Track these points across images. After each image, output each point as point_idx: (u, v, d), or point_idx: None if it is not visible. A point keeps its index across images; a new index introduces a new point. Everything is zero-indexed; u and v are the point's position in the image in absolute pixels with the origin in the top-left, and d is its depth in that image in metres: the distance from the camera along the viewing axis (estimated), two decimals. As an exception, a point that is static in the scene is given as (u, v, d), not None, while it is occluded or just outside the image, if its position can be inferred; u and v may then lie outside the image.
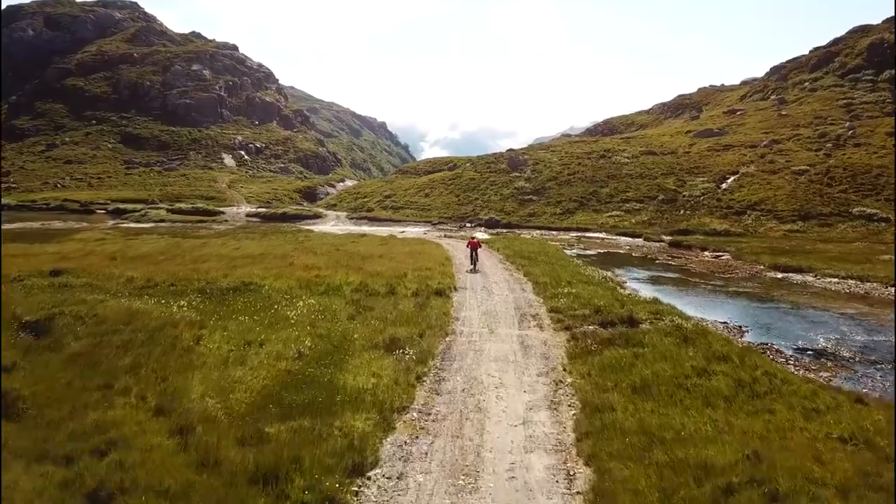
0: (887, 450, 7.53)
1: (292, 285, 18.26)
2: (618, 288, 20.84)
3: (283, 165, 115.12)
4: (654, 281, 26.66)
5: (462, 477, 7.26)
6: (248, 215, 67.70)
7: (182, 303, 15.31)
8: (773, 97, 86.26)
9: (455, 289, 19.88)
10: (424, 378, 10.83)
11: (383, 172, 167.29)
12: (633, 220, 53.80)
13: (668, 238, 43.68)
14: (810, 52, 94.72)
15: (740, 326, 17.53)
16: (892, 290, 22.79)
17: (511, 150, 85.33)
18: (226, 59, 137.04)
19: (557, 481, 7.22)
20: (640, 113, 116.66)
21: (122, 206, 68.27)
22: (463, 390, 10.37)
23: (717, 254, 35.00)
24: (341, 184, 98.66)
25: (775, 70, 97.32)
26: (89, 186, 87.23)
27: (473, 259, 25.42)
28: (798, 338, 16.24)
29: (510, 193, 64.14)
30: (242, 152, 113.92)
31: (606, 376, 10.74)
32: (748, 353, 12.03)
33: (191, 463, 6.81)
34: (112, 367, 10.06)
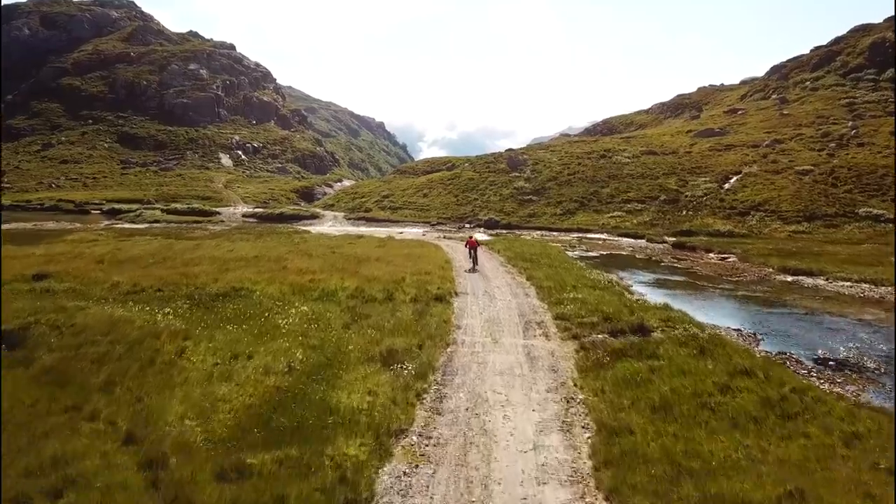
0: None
1: (285, 291, 17.42)
2: (625, 293, 20.02)
3: (280, 165, 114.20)
4: (660, 284, 25.86)
5: (468, 516, 6.45)
6: (244, 216, 66.76)
7: (168, 310, 14.50)
8: (774, 96, 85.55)
9: (456, 294, 19.06)
10: (424, 395, 10.02)
11: (381, 172, 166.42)
12: (635, 221, 52.98)
13: (672, 239, 42.86)
14: (811, 51, 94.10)
15: (754, 334, 16.72)
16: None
17: (510, 149, 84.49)
18: (223, 58, 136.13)
19: (576, 521, 6.41)
20: (639, 113, 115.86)
21: (117, 206, 67.31)
22: (467, 409, 9.55)
23: (723, 256, 34.20)
24: (339, 184, 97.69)
25: (776, 69, 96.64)
26: (84, 186, 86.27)
27: (473, 258, 25.52)
28: (816, 346, 15.44)
29: (510, 194, 63.29)
30: (239, 152, 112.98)
31: (622, 393, 9.94)
32: (772, 366, 11.21)
33: (160, 504, 6.00)
34: (84, 385, 9.24)
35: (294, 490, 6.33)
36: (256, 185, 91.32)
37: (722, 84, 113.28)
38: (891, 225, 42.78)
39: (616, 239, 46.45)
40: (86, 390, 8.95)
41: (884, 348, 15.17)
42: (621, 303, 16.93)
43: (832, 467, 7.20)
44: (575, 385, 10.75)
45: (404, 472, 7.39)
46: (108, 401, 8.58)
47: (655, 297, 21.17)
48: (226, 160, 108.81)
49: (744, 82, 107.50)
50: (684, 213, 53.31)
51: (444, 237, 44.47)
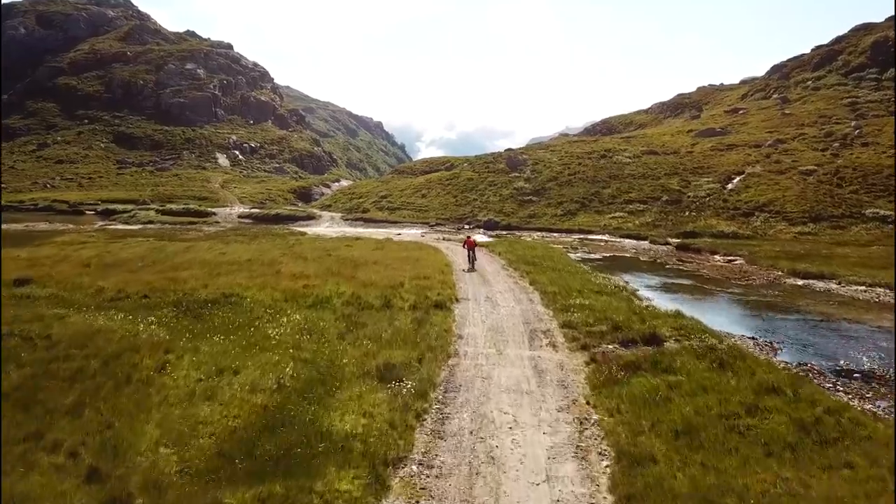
0: None
1: (277, 297, 16.59)
2: (633, 298, 19.21)
3: (277, 165, 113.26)
4: (667, 288, 25.06)
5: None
6: (240, 216, 65.83)
7: (152, 318, 13.68)
8: (775, 96, 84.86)
9: (457, 300, 18.23)
10: (425, 416, 9.19)
11: (379, 172, 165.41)
12: (637, 222, 52.18)
13: (675, 241, 42.02)
14: (812, 50, 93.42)
15: (771, 343, 15.91)
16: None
17: (509, 149, 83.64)
18: (220, 58, 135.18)
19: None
20: (638, 112, 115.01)
21: (111, 206, 66.40)
22: (471, 432, 8.73)
23: (730, 258, 33.39)
24: (336, 184, 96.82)
25: (776, 69, 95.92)
26: (79, 187, 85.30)
27: (471, 259, 25.69)
28: (838, 356, 14.65)
29: (509, 194, 62.43)
30: (237, 152, 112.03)
31: (640, 413, 9.12)
32: (801, 382, 10.40)
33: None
34: (51, 408, 8.41)
35: (276, 538, 5.51)
36: (253, 186, 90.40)
37: (722, 84, 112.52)
38: (898, 226, 42.02)
39: (618, 240, 45.63)
40: (51, 414, 8.12)
41: (909, 358, 14.37)
42: (630, 309, 16.12)
43: (885, 506, 6.40)
44: (587, 403, 9.94)
45: (403, 511, 6.58)
46: (75, 427, 7.75)
47: (663, 302, 20.40)
48: (223, 160, 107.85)
49: (744, 82, 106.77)
50: (687, 213, 52.50)
51: (444, 239, 43.64)
